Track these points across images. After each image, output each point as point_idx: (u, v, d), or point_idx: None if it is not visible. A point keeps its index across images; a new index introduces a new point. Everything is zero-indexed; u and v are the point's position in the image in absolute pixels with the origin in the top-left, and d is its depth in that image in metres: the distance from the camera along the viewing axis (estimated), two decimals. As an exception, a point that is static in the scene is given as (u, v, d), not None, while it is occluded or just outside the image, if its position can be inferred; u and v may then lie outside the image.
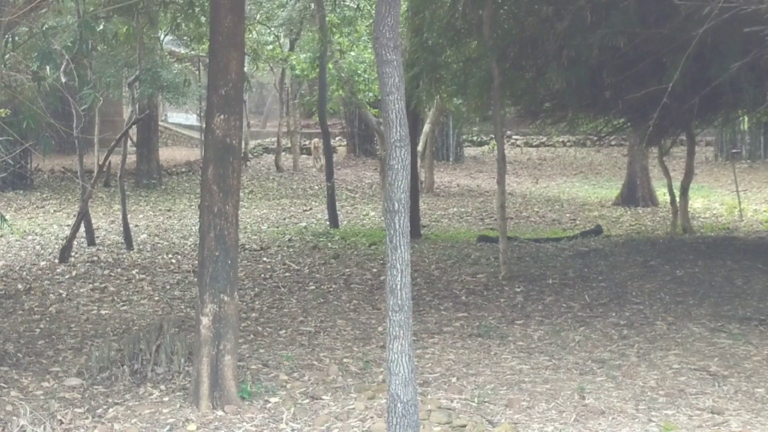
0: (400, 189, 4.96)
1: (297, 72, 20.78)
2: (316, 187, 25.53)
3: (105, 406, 6.95)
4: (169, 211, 21.05)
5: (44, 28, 11.71)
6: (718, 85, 10.47)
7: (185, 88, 23.11)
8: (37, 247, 15.51)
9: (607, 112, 13.76)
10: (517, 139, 36.47)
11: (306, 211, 20.89)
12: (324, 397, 7.10)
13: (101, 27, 15.97)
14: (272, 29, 26.49)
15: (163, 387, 7.33)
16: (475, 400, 7.04)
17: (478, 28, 12.38)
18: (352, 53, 17.83)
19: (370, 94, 17.71)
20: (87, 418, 6.71)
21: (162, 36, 22.00)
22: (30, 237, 16.77)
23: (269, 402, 6.96)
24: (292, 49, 26.64)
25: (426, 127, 20.44)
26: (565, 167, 31.55)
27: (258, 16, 25.38)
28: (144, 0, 11.49)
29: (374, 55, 5.29)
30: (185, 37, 20.70)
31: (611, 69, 11.77)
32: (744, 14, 8.22)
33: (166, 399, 7.05)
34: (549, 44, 11.78)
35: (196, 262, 13.42)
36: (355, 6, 17.65)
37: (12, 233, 16.56)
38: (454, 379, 7.63)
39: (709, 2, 7.73)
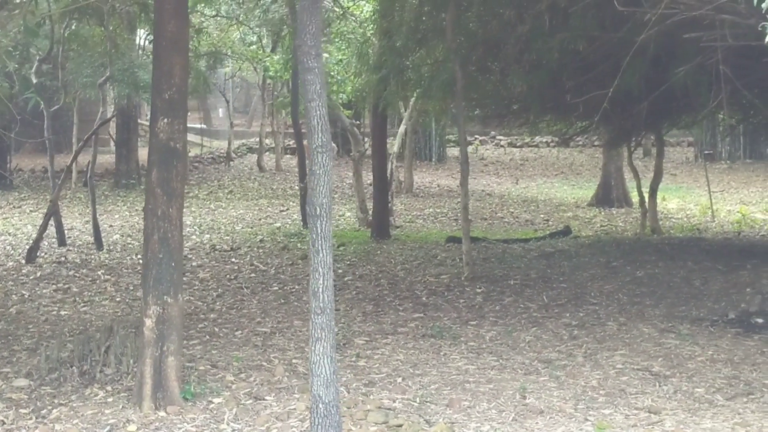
0: (322, 194, 5.06)
1: (271, 73, 20.85)
2: (296, 187, 25.60)
3: (50, 407, 7.02)
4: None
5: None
6: (673, 89, 10.59)
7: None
8: (8, 247, 15.58)
9: (569, 115, 13.89)
10: (501, 140, 36.64)
11: (282, 211, 20.98)
12: (267, 397, 7.19)
13: (73, 28, 16.14)
14: (253, 29, 26.63)
15: (109, 388, 7.41)
16: (417, 400, 7.14)
17: (441, 32, 12.49)
18: (326, 54, 17.88)
19: (343, 95, 17.79)
20: (30, 418, 6.79)
21: (143, 36, 22.17)
22: (2, 237, 16.83)
23: (212, 402, 7.04)
24: (274, 49, 26.76)
25: (401, 128, 20.54)
26: (546, 168, 31.69)
27: (241, 16, 25.53)
28: (103, 2, 11.41)
29: (297, 62, 5.39)
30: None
31: (571, 72, 11.89)
32: (694, 20, 8.36)
33: (110, 400, 7.13)
34: (511, 48, 11.92)
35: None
36: (329, 6, 17.73)
37: (-15, 233, 16.68)
38: (399, 379, 7.72)
39: (650, 9, 7.84)
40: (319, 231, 5.11)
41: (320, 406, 5.11)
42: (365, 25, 17.12)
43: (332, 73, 17.31)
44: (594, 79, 11.70)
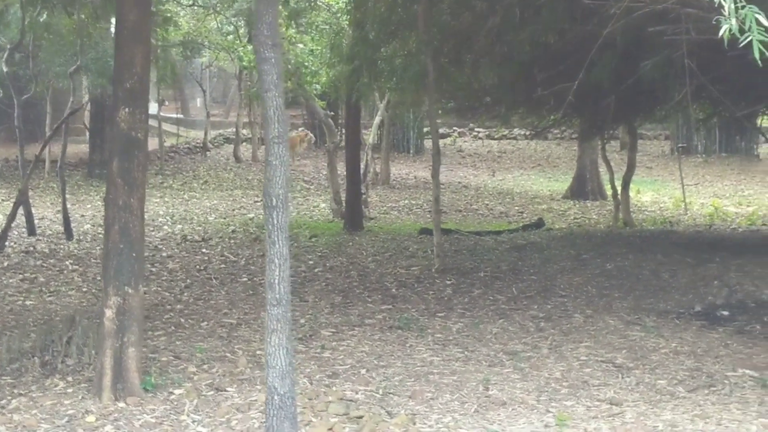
0: (278, 185, 5.04)
1: (245, 63, 20.77)
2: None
3: (9, 397, 6.96)
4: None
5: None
6: (642, 82, 10.61)
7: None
8: (-23, 237, 15.45)
9: (540, 108, 13.90)
10: (479, 132, 36.63)
11: (257, 202, 20.91)
12: (229, 389, 7.16)
13: (43, 18, 16.00)
14: (229, 18, 26.47)
15: (70, 379, 7.35)
16: (380, 391, 7.13)
17: (414, 23, 12.46)
18: (300, 45, 17.82)
19: (317, 86, 17.74)
20: (-11, 408, 6.74)
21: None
22: (-28, 227, 16.67)
23: (173, 394, 7.00)
24: (250, 39, 26.61)
25: (377, 119, 20.51)
26: (523, 160, 31.72)
27: (218, 6, 25.34)
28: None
29: (254, 52, 5.36)
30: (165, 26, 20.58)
31: (542, 65, 11.90)
32: (662, 13, 8.37)
33: (70, 391, 7.08)
34: (482, 40, 11.91)
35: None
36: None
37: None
38: (363, 371, 7.71)
39: (616, 2, 7.84)
40: (275, 222, 5.08)
41: (275, 397, 5.09)
42: (338, 15, 17.08)
43: (306, 64, 17.25)
44: (565, 72, 11.66)
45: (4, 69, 15.49)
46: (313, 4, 17.10)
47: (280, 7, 16.71)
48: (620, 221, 16.69)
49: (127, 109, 6.95)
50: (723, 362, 8.07)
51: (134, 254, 7.01)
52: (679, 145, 28.87)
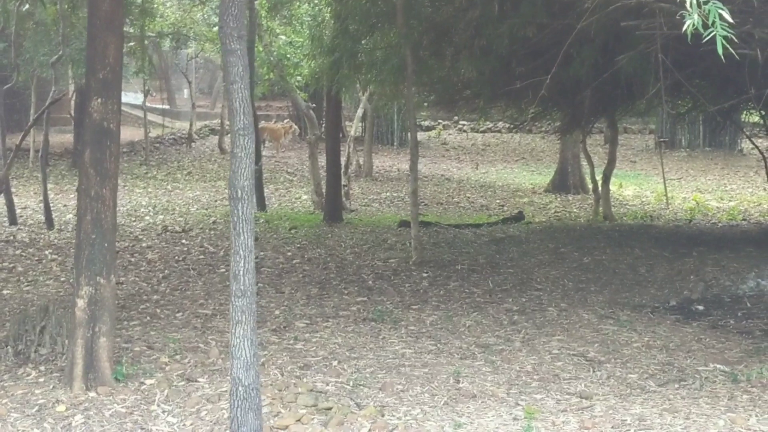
0: (243, 176, 5.06)
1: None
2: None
3: (-19, 387, 6.98)
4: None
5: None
6: (619, 76, 10.65)
7: (127, 68, 23.07)
8: (-42, 226, 15.43)
9: (519, 101, 13.93)
10: (464, 125, 36.64)
11: (239, 193, 20.87)
12: (200, 379, 7.18)
13: (26, 7, 15.94)
14: (215, 9, 26.38)
15: (43, 368, 7.37)
16: (351, 383, 7.15)
17: (393, 16, 12.46)
18: (283, 37, 17.80)
19: (299, 78, 17.73)
20: (-40, 398, 6.74)
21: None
22: (-47, 216, 16.63)
23: (144, 384, 7.02)
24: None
25: (359, 111, 20.50)
26: (507, 153, 31.75)
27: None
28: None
29: (220, 44, 5.37)
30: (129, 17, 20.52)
31: (521, 59, 11.92)
32: (638, 8, 8.40)
33: (42, 380, 7.10)
34: (462, 33, 11.91)
35: (117, 243, 13.53)
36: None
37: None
38: (335, 363, 7.73)
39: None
40: (240, 214, 5.10)
41: (240, 388, 5.12)
42: (318, 7, 17.07)
43: (288, 56, 17.24)
44: (543, 65, 11.71)
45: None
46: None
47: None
48: (600, 215, 16.75)
49: (99, 100, 6.94)
50: (695, 357, 8.13)
51: (106, 244, 7.02)
52: (661, 139, 28.93)
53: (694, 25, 4.33)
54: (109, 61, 6.96)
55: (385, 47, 13.46)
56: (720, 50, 4.34)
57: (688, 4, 4.25)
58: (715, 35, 4.31)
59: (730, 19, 4.32)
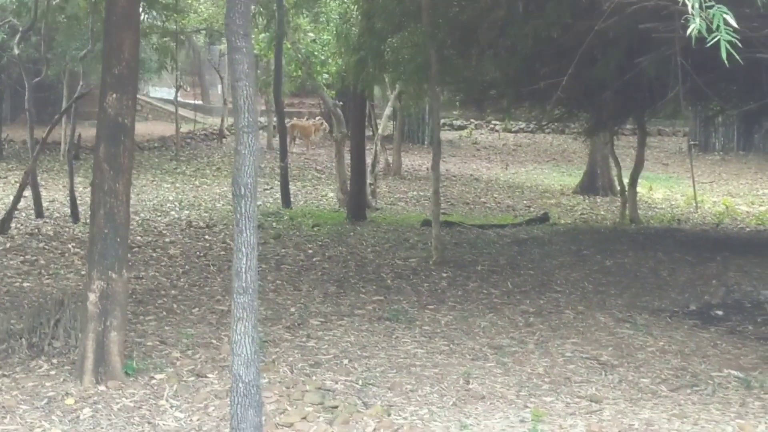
0: (247, 174, 5.07)
1: (256, 51, 20.82)
2: (285, 166, 25.61)
3: (-6, 378, 7.06)
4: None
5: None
6: (643, 78, 10.57)
7: (152, 64, 23.28)
8: (-15, 218, 15.58)
9: (543, 103, 13.86)
10: (496, 124, 36.53)
11: (266, 189, 20.96)
12: (210, 375, 7.21)
13: (56, 1, 16.10)
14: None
15: (56, 361, 7.42)
16: (360, 382, 7.15)
17: (419, 15, 12.46)
18: (311, 34, 17.86)
19: (326, 75, 17.77)
20: (-29, 389, 6.82)
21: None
22: (-18, 208, 16.82)
23: (154, 378, 7.06)
24: (268, 27, 26.62)
25: (387, 110, 20.50)
26: (538, 154, 31.65)
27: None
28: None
29: (226, 42, 5.38)
30: (164, 12, 20.69)
31: (545, 59, 11.86)
32: (658, 10, 8.31)
33: (53, 373, 7.15)
34: (486, 33, 11.88)
35: (140, 237, 13.65)
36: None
37: (-35, 204, 16.69)
38: (346, 361, 7.73)
39: (608, -2, 7.81)
40: (243, 211, 5.12)
41: (240, 385, 5.13)
42: (347, 5, 17.08)
43: (315, 53, 17.29)
44: (567, 66, 11.64)
45: (16, 52, 15.60)
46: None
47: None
48: (627, 218, 16.64)
49: (114, 95, 6.99)
50: (710, 362, 8.05)
51: (119, 239, 7.06)
52: (692, 142, 28.65)
53: (697, 29, 4.29)
54: (125, 57, 7.00)
55: (410, 46, 13.46)
56: (724, 55, 4.29)
57: (690, 8, 4.20)
58: (719, 40, 4.26)
59: (734, 24, 4.26)
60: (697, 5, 4.24)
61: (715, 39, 4.29)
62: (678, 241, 14.35)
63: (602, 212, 19.01)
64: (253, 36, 22.29)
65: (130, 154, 7.17)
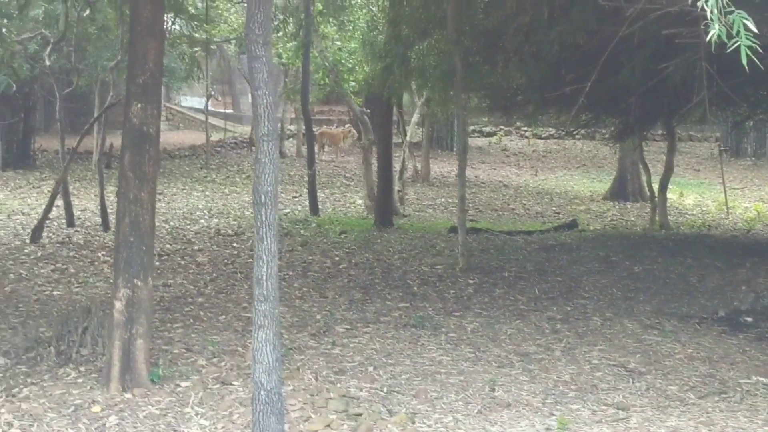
0: (267, 182, 5.09)
1: (283, 59, 20.93)
2: (313, 173, 25.68)
3: (22, 386, 7.11)
4: (160, 194, 21.20)
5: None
6: (669, 84, 10.50)
7: (182, 73, 23.43)
8: (18, 227, 15.75)
9: (569, 108, 13.80)
10: (525, 131, 36.42)
11: (295, 197, 21.05)
12: (235, 382, 7.23)
13: (87, 13, 16.25)
14: (276, 15, 26.60)
15: (83, 369, 7.47)
16: (385, 389, 7.15)
17: (444, 22, 12.47)
18: (338, 42, 17.93)
19: (353, 83, 17.82)
20: (0, 396, 6.88)
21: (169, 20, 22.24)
22: (16, 217, 17.01)
23: (179, 386, 7.09)
24: (297, 36, 26.71)
25: (414, 117, 20.51)
26: (568, 160, 31.50)
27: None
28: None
29: (246, 50, 5.42)
30: (194, 22, 20.82)
31: (570, 65, 11.82)
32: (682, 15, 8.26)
33: (80, 380, 7.20)
34: (511, 39, 11.86)
35: (169, 245, 13.74)
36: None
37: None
38: (371, 368, 7.74)
39: (632, 3, 7.78)
40: (264, 219, 5.14)
41: (262, 393, 5.16)
42: (372, 13, 17.12)
43: (342, 61, 17.35)
44: (593, 72, 11.61)
45: (48, 63, 15.78)
46: (352, 1, 17.17)
47: (318, 3, 16.86)
48: (657, 224, 16.53)
49: (139, 105, 7.05)
50: (738, 369, 7.98)
51: (144, 247, 7.11)
52: (722, 147, 28.40)
53: (717, 35, 4.27)
54: (149, 66, 7.06)
55: (436, 53, 13.47)
56: (744, 60, 4.26)
57: (709, 14, 4.18)
58: (739, 45, 4.24)
59: (755, 29, 4.24)
60: (716, 11, 4.21)
61: (735, 44, 4.27)
62: (708, 246, 14.23)
63: (632, 218, 18.91)
64: (281, 44, 22.47)
65: (155, 163, 7.22)
